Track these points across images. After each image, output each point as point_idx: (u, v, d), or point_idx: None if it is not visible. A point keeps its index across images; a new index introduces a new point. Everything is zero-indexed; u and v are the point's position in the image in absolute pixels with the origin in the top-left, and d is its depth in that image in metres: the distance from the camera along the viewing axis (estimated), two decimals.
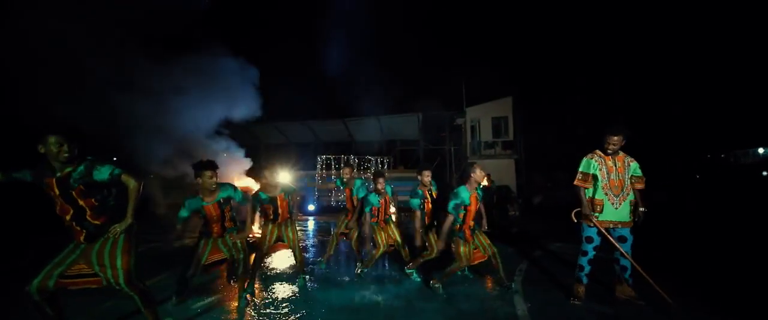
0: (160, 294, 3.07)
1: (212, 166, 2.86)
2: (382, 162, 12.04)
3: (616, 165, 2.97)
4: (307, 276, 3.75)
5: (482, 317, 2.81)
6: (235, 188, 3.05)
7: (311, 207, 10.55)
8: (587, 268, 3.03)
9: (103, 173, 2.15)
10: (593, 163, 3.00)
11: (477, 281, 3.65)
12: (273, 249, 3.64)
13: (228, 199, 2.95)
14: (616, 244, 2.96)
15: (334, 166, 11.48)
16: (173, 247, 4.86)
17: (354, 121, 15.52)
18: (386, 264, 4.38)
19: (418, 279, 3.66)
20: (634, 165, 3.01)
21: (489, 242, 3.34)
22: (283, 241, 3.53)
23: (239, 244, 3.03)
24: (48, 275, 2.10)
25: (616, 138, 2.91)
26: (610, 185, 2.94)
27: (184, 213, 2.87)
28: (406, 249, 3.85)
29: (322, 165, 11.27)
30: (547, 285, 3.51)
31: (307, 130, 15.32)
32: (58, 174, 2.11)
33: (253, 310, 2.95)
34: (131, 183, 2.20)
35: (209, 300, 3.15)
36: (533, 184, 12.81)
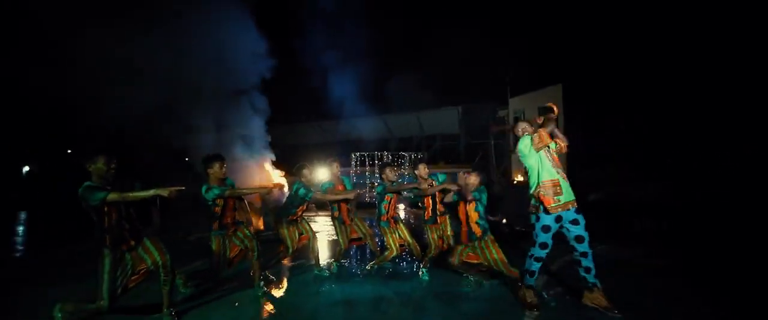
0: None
1: (221, 158, 3.07)
2: (416, 158, 11.85)
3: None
4: (323, 270, 3.83)
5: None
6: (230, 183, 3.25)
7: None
8: (537, 274, 2.77)
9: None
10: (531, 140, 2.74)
11: (495, 282, 3.38)
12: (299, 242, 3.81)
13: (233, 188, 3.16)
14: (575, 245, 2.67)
15: (369, 163, 11.59)
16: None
17: (393, 117, 15.52)
18: (399, 262, 4.28)
19: (426, 278, 3.56)
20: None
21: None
22: (302, 234, 3.75)
23: (250, 234, 3.23)
24: (114, 291, 2.47)
25: (521, 125, 2.85)
26: (554, 162, 2.68)
27: (216, 190, 2.99)
28: (418, 247, 3.75)
29: (356, 163, 11.45)
30: (566, 291, 3.11)
31: (347, 128, 15.70)
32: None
33: (267, 297, 3.15)
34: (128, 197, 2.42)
35: (225, 288, 3.38)
36: (588, 179, 11.53)
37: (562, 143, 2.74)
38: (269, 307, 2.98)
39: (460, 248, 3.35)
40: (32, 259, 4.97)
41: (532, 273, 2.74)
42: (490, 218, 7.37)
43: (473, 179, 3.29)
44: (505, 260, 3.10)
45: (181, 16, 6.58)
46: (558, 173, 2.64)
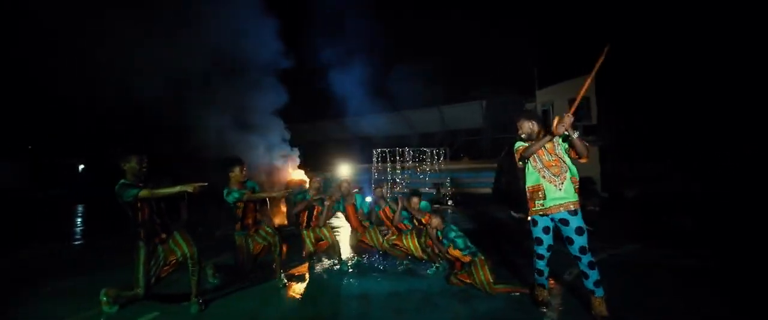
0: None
1: (241, 162, 3.20)
2: (438, 154, 11.71)
3: (545, 146, 2.60)
4: (344, 263, 3.93)
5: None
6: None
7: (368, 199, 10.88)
8: (545, 272, 2.73)
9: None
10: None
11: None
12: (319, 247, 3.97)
13: (254, 190, 3.28)
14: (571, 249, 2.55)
15: (390, 159, 11.59)
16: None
17: (414, 112, 15.40)
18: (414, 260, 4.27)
19: (431, 272, 3.61)
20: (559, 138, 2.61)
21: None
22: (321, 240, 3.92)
23: (272, 230, 3.37)
24: (148, 280, 2.70)
25: (526, 124, 2.77)
26: (545, 166, 2.60)
27: (235, 194, 3.14)
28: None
29: (377, 159, 11.49)
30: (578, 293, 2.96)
31: (367, 125, 15.79)
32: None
33: (287, 289, 3.30)
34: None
35: (249, 279, 3.54)
36: (624, 175, 10.85)
37: (578, 153, 2.53)
38: (290, 297, 3.10)
39: (454, 271, 3.39)
40: (86, 248, 5.49)
41: (539, 272, 2.74)
42: (515, 215, 7.20)
43: (435, 222, 3.51)
44: (491, 281, 3.04)
45: (198, 14, 6.88)
46: (544, 178, 2.57)
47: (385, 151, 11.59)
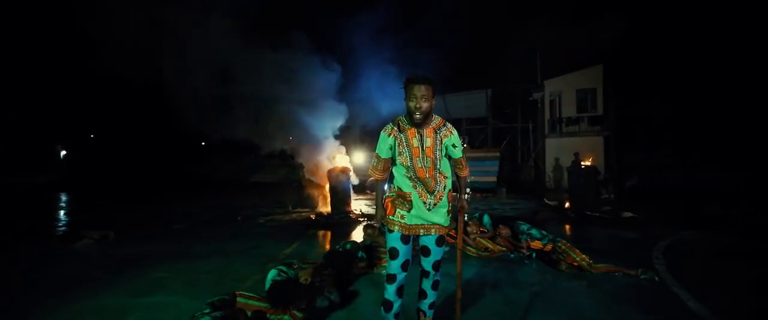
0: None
1: None
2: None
3: (424, 143, 1.87)
4: None
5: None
6: None
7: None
8: (396, 303, 1.94)
9: None
10: (389, 142, 1.91)
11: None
12: None
13: None
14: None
15: None
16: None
17: None
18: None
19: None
20: (449, 139, 1.92)
21: None
22: None
23: None
24: None
25: (423, 88, 1.78)
26: (417, 174, 1.87)
27: None
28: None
29: None
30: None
31: (369, 111, 15.50)
32: None
33: None
34: None
35: None
36: (626, 164, 11.15)
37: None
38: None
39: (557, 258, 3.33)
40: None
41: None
42: (548, 202, 7.23)
43: (504, 232, 3.56)
44: (591, 261, 3.09)
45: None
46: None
47: None
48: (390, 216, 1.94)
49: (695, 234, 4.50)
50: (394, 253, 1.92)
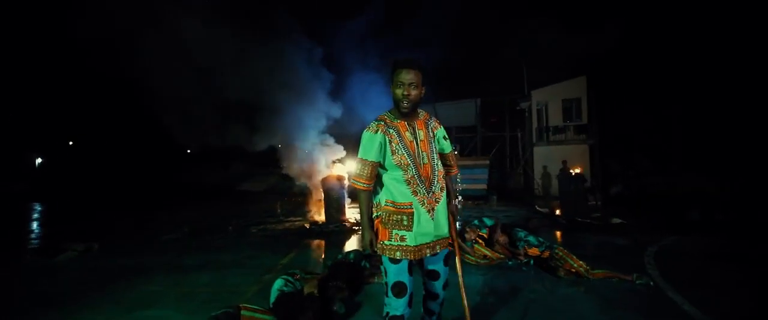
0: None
1: None
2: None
3: (417, 136, 1.65)
4: None
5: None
6: None
7: None
8: None
9: None
10: (379, 141, 1.59)
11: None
12: None
13: None
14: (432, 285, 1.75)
15: None
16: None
17: None
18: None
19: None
20: (440, 131, 1.75)
21: None
22: None
23: None
24: None
25: (411, 73, 1.56)
26: (418, 171, 1.60)
27: None
28: None
29: None
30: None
31: (358, 120, 15.53)
32: None
33: None
34: None
35: None
36: (610, 172, 11.51)
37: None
38: None
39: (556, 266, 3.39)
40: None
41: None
42: (539, 209, 7.35)
43: (502, 239, 3.55)
44: (588, 267, 3.12)
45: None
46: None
47: None
48: (385, 241, 1.55)
49: (681, 239, 4.66)
50: (399, 290, 1.52)
